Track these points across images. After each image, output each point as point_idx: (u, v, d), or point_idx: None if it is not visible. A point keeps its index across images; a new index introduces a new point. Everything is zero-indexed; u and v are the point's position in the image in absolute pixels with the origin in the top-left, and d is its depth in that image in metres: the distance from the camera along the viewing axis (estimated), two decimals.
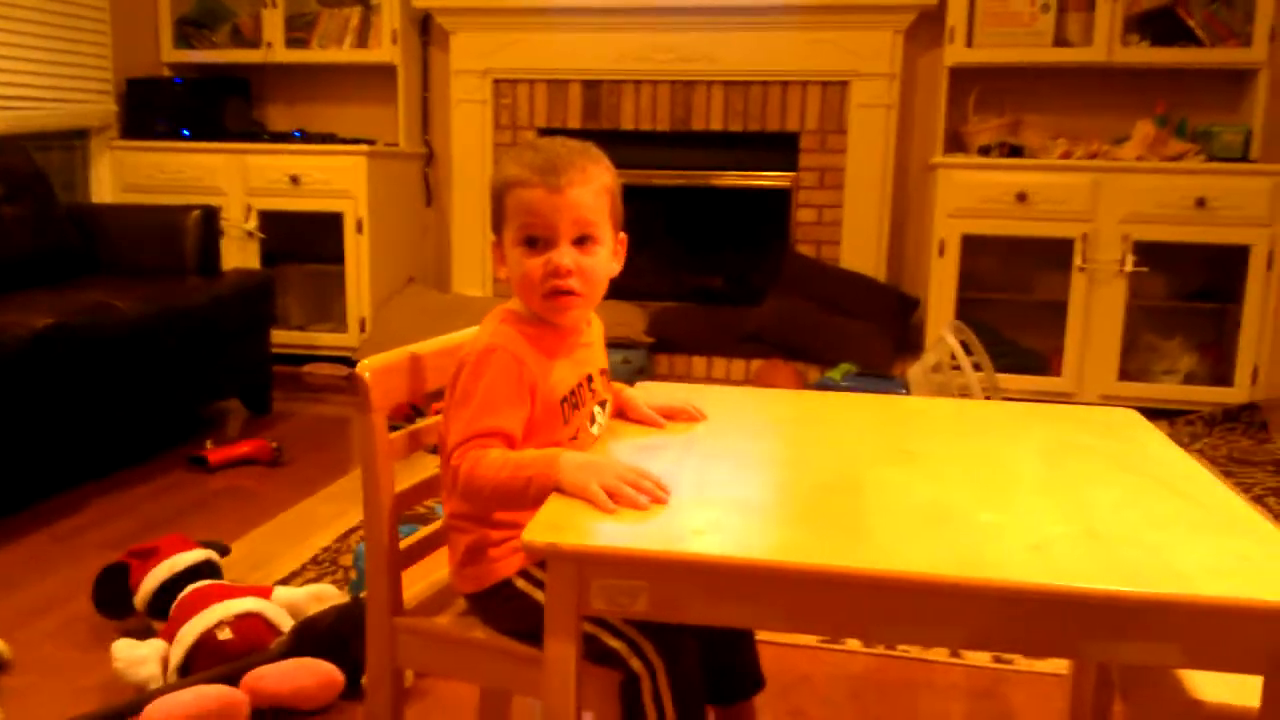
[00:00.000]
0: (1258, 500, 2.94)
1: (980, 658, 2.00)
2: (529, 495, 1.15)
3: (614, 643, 1.20)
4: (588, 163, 1.28)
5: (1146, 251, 3.76)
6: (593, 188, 1.27)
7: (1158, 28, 3.87)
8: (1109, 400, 3.73)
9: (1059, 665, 1.96)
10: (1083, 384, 3.87)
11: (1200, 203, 3.68)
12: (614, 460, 1.18)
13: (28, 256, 3.34)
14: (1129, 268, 3.76)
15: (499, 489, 1.18)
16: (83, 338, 2.79)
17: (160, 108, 4.40)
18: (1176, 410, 3.79)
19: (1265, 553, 1.00)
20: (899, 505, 1.12)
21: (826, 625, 1.26)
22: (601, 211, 1.29)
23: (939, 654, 2.02)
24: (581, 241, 1.27)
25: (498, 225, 1.31)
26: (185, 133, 4.38)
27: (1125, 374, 3.88)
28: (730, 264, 4.62)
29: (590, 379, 1.36)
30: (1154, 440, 1.39)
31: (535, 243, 1.27)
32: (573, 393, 1.32)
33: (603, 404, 1.40)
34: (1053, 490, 1.18)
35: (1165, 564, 0.97)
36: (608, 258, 1.31)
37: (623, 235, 1.35)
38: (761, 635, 1.61)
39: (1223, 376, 3.85)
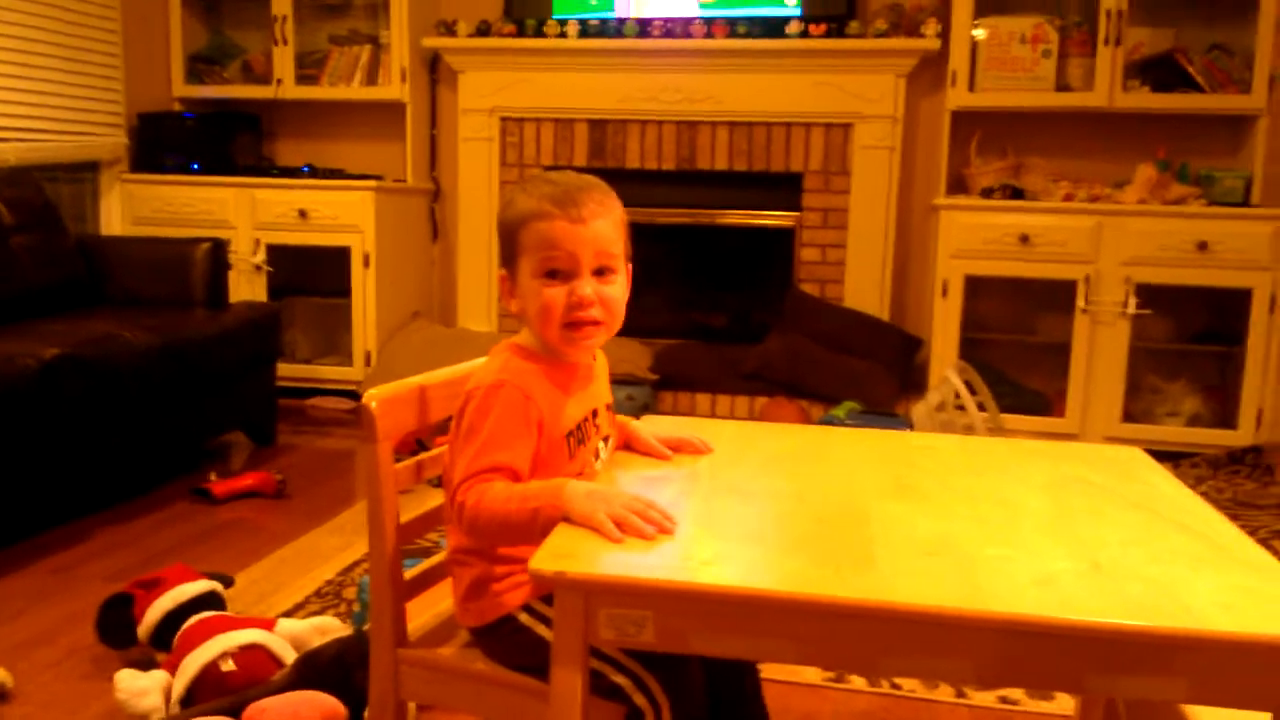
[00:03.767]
0: (1263, 543, 2.93)
1: (986, 698, 1.99)
2: (536, 526, 1.14)
3: (618, 678, 1.20)
4: (603, 195, 1.30)
5: (1149, 294, 3.78)
6: (612, 219, 1.29)
7: (1158, 74, 3.92)
8: (1113, 442, 3.72)
9: (1065, 705, 1.95)
10: (1086, 425, 3.88)
11: (1202, 246, 3.70)
12: (621, 490, 1.18)
13: (37, 287, 3.37)
14: (1131, 310, 3.77)
15: (505, 522, 1.17)
16: (90, 368, 2.80)
17: (170, 142, 4.44)
18: (1181, 453, 3.78)
19: (1273, 588, 1.01)
20: (904, 538, 1.12)
21: (832, 657, 1.25)
22: (619, 242, 1.31)
23: (944, 694, 2.01)
24: (600, 272, 1.29)
25: (510, 259, 1.32)
26: (195, 167, 4.42)
27: (1129, 416, 3.88)
28: (734, 302, 4.65)
29: (595, 414, 1.37)
30: (1159, 477, 1.39)
31: (556, 274, 1.28)
32: (578, 427, 1.32)
33: (606, 439, 1.40)
34: (1058, 525, 1.18)
35: (1172, 598, 0.98)
36: (624, 286, 1.33)
37: (629, 265, 1.36)
38: (766, 673, 1.60)
39: (1227, 419, 3.85)
